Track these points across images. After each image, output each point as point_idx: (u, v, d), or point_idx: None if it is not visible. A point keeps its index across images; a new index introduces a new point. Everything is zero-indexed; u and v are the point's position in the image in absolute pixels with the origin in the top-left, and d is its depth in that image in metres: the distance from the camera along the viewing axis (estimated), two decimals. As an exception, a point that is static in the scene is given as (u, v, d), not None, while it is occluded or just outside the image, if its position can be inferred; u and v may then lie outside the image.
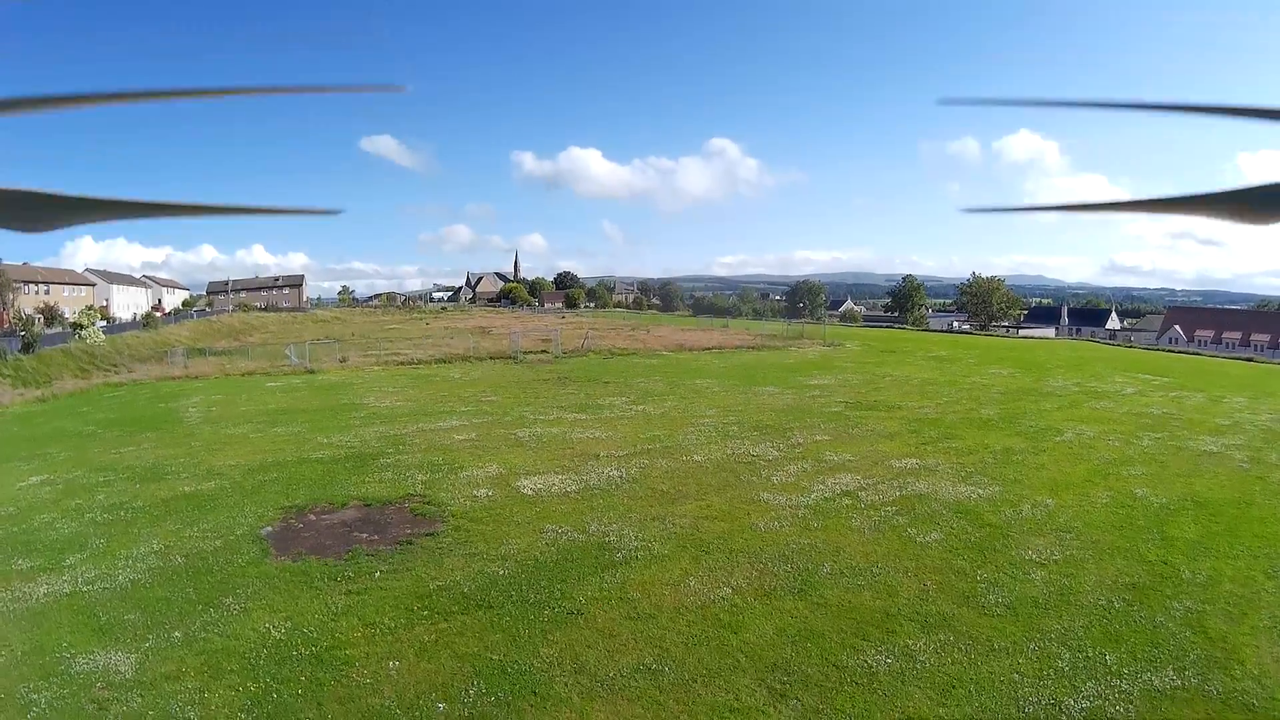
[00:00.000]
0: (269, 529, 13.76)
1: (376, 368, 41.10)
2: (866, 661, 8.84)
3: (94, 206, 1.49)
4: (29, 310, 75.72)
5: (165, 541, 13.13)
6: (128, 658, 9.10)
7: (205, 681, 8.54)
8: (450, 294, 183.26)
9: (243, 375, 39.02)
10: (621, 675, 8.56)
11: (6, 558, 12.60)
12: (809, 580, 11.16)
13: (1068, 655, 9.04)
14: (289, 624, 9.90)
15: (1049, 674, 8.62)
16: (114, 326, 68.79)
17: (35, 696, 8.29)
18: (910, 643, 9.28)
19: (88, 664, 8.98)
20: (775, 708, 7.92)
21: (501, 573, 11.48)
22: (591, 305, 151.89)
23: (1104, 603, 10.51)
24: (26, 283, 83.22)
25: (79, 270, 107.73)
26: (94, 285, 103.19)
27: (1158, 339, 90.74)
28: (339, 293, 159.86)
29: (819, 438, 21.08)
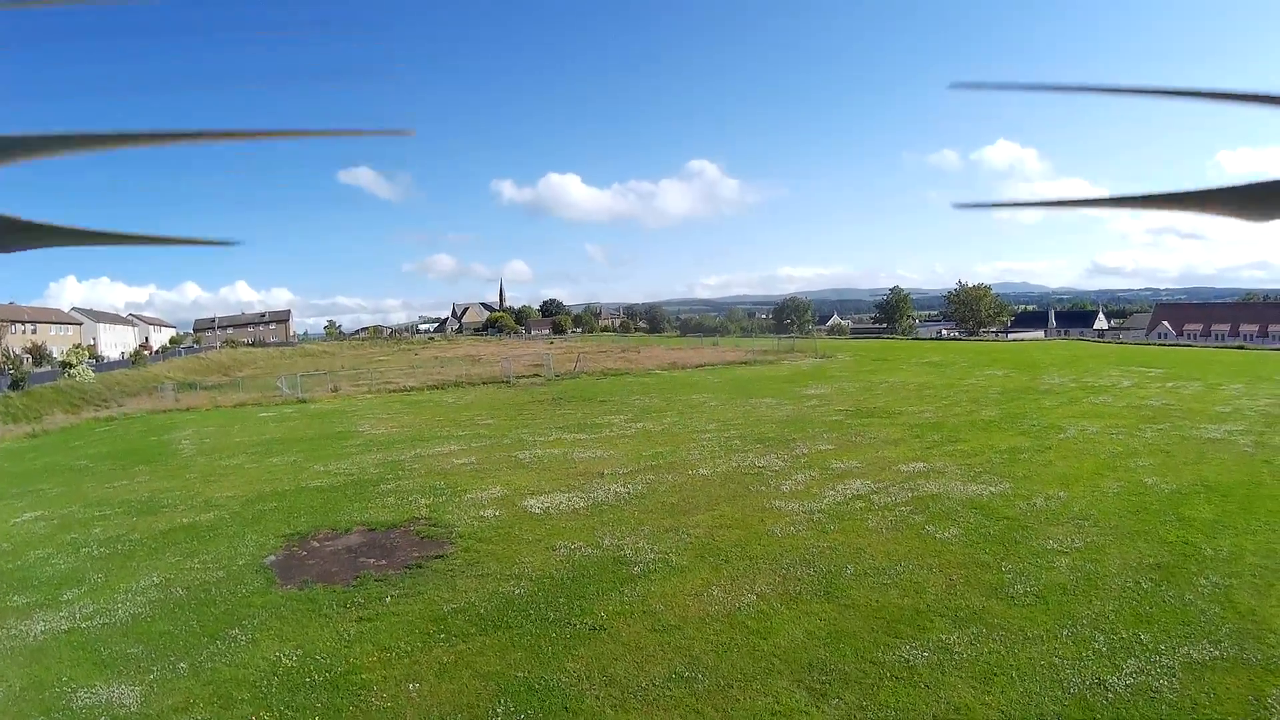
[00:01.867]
0: (272, 558, 13.41)
1: (369, 395, 40.92)
2: (903, 656, 8.59)
3: (65, 234, 1.34)
4: (16, 350, 75.35)
5: (165, 574, 12.77)
6: (132, 690, 8.73)
7: (215, 712, 8.17)
8: (436, 325, 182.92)
9: (235, 406, 38.91)
10: (654, 685, 8.25)
11: (1, 594, 12.26)
12: (834, 582, 10.89)
13: (1103, 637, 8.85)
14: (300, 652, 9.54)
15: (1088, 656, 8.42)
16: (102, 365, 68.41)
17: (36, 733, 7.94)
18: (944, 636, 9.04)
19: (90, 698, 8.62)
20: (818, 707, 7.64)
21: (517, 591, 11.16)
22: (579, 331, 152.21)
23: (1131, 584, 10.35)
24: (13, 322, 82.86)
25: (65, 310, 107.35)
26: (80, 324, 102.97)
27: (1147, 336, 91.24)
28: (325, 327, 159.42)
29: (822, 446, 20.88)
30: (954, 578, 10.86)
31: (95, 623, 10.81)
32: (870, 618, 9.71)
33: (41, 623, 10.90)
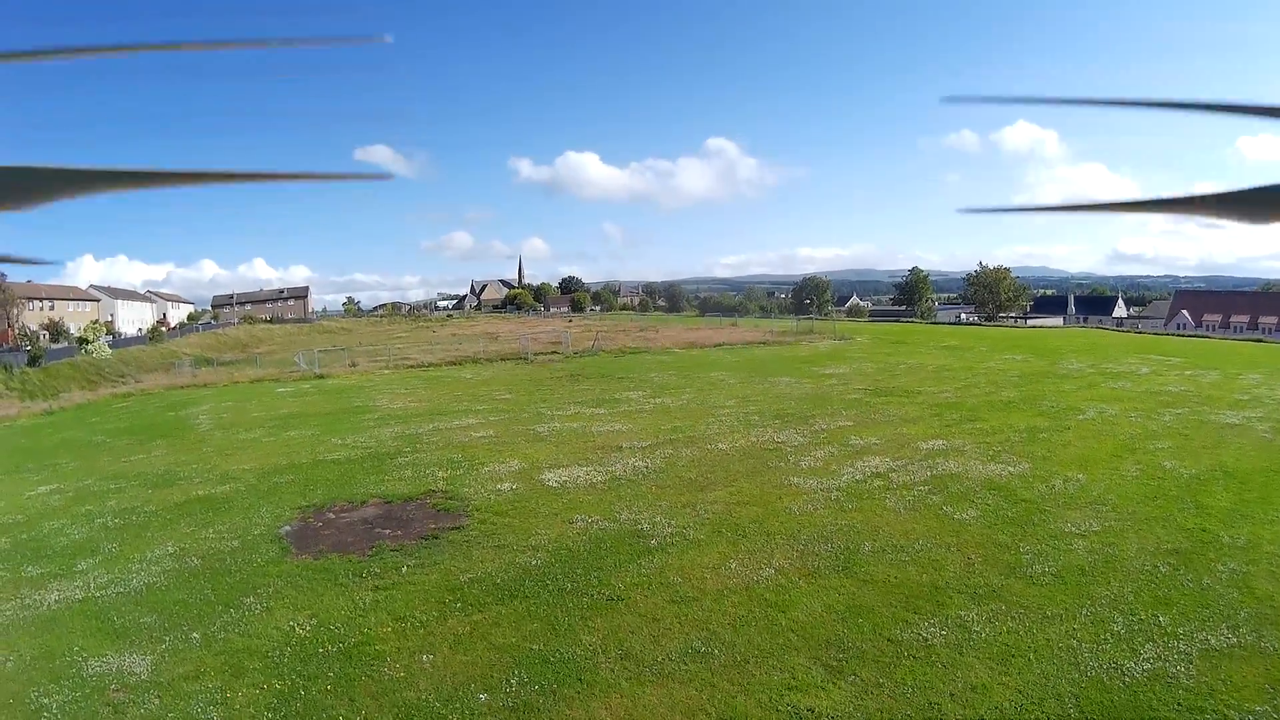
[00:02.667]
0: (288, 528, 13.43)
1: (387, 371, 40.98)
2: (921, 635, 8.52)
3: (109, 178, 1.28)
4: (34, 326, 75.87)
5: (180, 544, 12.80)
6: (143, 659, 8.75)
7: (227, 681, 8.18)
8: (455, 302, 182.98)
9: (252, 382, 38.99)
10: (670, 659, 8.21)
11: (15, 565, 12.30)
12: (852, 559, 10.83)
13: (1121, 620, 8.76)
14: (314, 621, 9.54)
15: (1106, 638, 8.33)
16: (120, 341, 68.86)
17: (46, 701, 7.93)
18: (962, 615, 8.96)
19: (101, 666, 8.64)
20: (834, 683, 7.58)
21: (534, 563, 11.14)
22: (597, 309, 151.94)
23: (1149, 568, 10.23)
24: (30, 299, 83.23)
25: (82, 287, 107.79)
26: (98, 301, 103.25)
27: (1165, 324, 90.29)
28: (344, 304, 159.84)
29: (842, 423, 20.78)
30: (972, 557, 10.78)
31: (109, 592, 10.84)
32: (888, 594, 9.65)
33: (55, 593, 10.93)
